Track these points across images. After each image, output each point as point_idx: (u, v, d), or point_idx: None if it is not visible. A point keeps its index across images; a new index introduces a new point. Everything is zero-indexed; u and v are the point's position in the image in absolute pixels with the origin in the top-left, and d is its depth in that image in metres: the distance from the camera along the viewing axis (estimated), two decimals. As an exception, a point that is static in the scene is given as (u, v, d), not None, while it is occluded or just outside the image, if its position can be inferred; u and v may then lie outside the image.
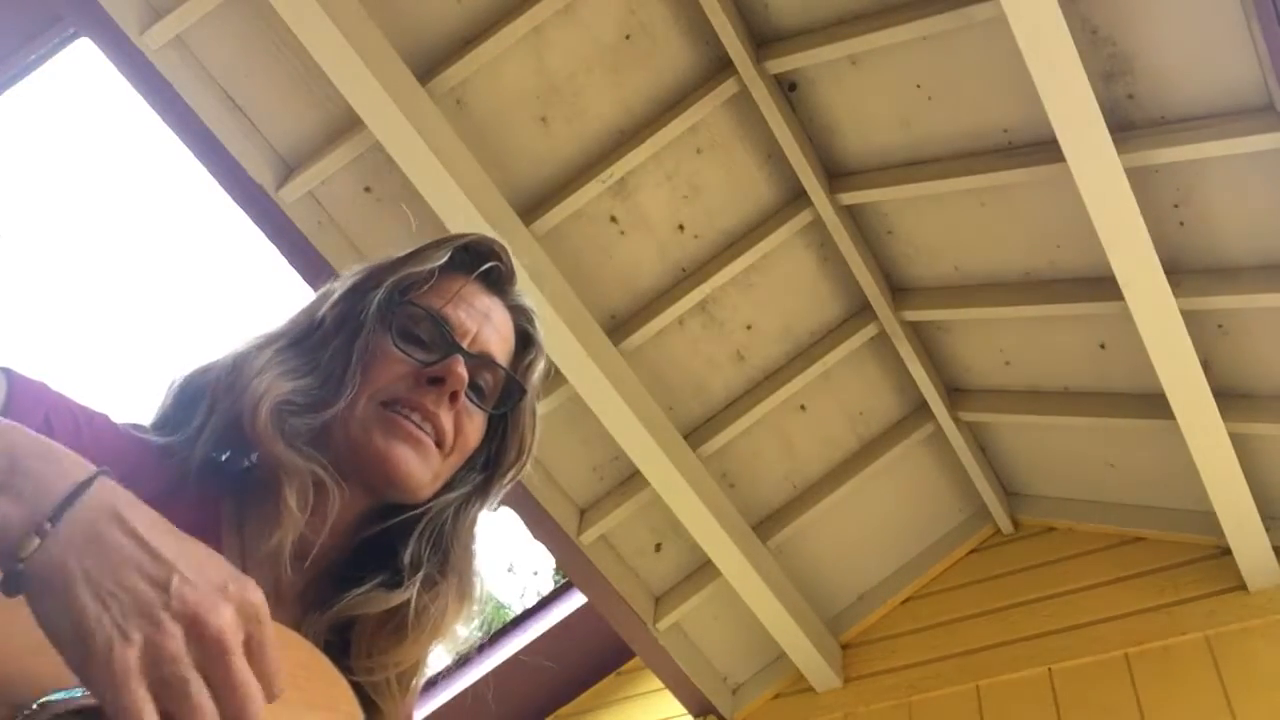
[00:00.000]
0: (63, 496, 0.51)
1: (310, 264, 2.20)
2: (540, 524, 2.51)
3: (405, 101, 1.93)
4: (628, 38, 2.25)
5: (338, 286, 0.86)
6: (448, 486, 0.86)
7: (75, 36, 2.10)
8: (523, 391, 0.90)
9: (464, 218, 2.03)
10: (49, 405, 0.71)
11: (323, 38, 1.83)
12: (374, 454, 0.79)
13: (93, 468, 0.54)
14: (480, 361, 0.85)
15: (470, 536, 0.88)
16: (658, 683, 2.83)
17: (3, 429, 0.55)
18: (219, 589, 0.51)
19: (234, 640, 0.50)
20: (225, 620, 0.50)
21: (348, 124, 2.11)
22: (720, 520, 2.46)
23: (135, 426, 0.80)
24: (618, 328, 2.46)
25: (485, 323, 0.87)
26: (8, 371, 0.72)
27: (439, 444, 0.82)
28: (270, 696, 0.51)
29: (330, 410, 0.78)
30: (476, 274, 0.89)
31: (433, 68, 2.12)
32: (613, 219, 2.40)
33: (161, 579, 0.50)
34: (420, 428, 0.80)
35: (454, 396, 0.81)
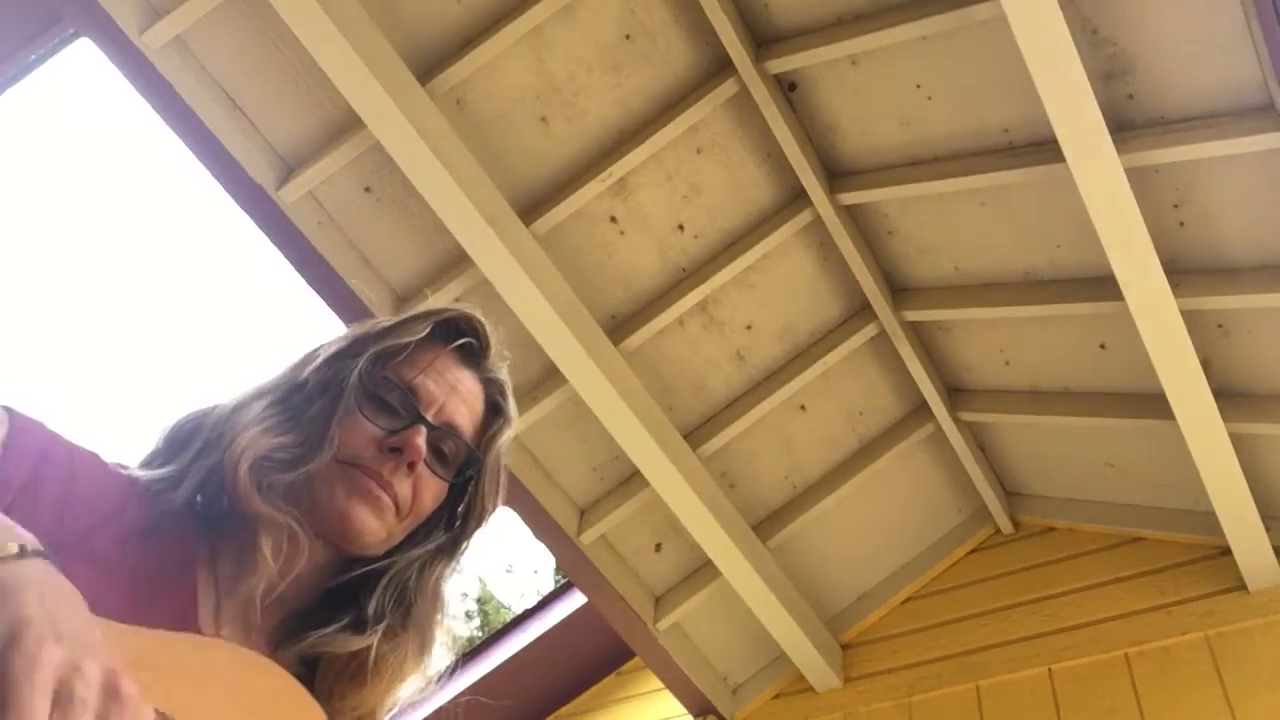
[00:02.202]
0: (35, 547, 0.59)
1: (310, 264, 2.21)
2: (540, 524, 2.51)
3: (405, 101, 1.93)
4: (628, 38, 2.25)
5: (323, 350, 0.92)
6: (410, 542, 0.91)
7: (75, 36, 2.10)
8: (479, 463, 0.94)
9: (464, 218, 2.03)
10: (46, 443, 0.76)
11: (323, 38, 1.83)
12: (334, 510, 0.84)
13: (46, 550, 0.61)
14: (443, 432, 0.90)
15: (435, 592, 0.92)
16: (658, 683, 2.83)
17: None
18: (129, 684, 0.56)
19: (142, 709, 0.55)
20: (134, 691, 0.55)
21: (348, 124, 2.11)
22: (720, 520, 2.46)
23: (122, 465, 0.85)
24: (618, 328, 2.46)
25: (452, 394, 0.92)
26: (10, 411, 0.76)
27: (396, 508, 0.86)
28: None
29: (305, 468, 0.84)
30: (451, 347, 0.94)
31: (433, 68, 2.12)
32: (613, 219, 2.40)
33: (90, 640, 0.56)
34: (382, 488, 0.85)
35: (411, 466, 0.86)
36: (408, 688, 0.89)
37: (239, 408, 0.87)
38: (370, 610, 0.87)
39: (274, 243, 2.21)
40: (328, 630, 0.85)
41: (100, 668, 0.54)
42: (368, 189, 2.21)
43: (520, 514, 2.51)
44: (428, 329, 0.92)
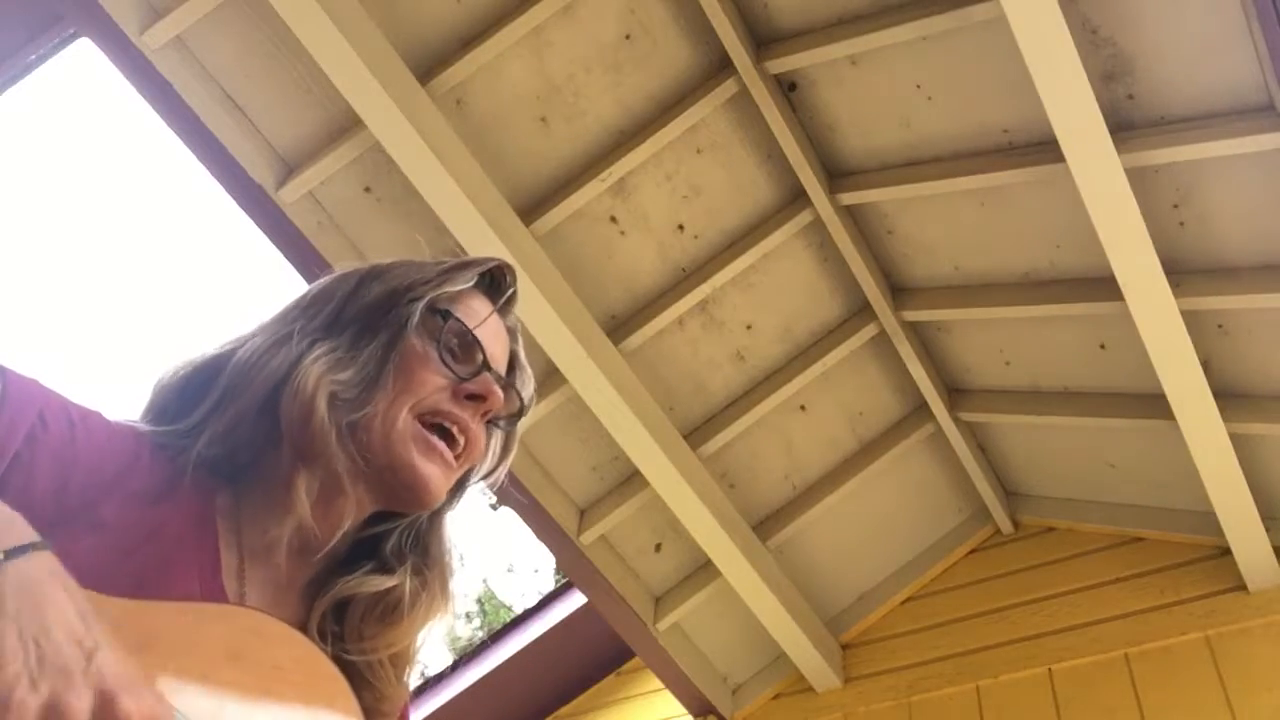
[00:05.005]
0: (16, 544, 0.53)
1: (310, 264, 2.21)
2: (540, 524, 2.51)
3: (405, 101, 1.93)
4: (628, 38, 2.25)
5: (364, 287, 0.87)
6: None
7: (75, 36, 2.10)
8: (525, 412, 0.94)
9: (464, 218, 2.03)
10: (43, 402, 0.71)
11: (323, 38, 1.83)
12: (407, 468, 0.82)
13: (39, 538, 0.56)
14: (506, 385, 0.90)
15: (443, 534, 0.92)
16: (658, 683, 2.83)
17: None
18: (139, 682, 0.52)
19: None
20: (139, 708, 0.51)
21: (348, 124, 2.11)
22: (720, 520, 2.46)
23: (130, 422, 0.80)
24: (618, 328, 2.46)
25: (497, 345, 0.92)
26: (1, 368, 0.71)
27: (457, 456, 0.85)
28: None
29: (364, 411, 0.81)
30: (500, 303, 0.93)
31: (433, 68, 2.12)
32: (613, 219, 2.40)
33: (88, 647, 0.51)
34: (451, 446, 0.84)
35: (487, 415, 0.86)
36: (437, 626, 0.88)
37: (277, 343, 0.82)
38: (388, 551, 0.86)
39: (274, 243, 2.21)
40: (355, 575, 0.83)
41: (90, 698, 0.49)
42: (368, 189, 2.21)
43: (520, 514, 2.51)
44: (474, 279, 0.91)
